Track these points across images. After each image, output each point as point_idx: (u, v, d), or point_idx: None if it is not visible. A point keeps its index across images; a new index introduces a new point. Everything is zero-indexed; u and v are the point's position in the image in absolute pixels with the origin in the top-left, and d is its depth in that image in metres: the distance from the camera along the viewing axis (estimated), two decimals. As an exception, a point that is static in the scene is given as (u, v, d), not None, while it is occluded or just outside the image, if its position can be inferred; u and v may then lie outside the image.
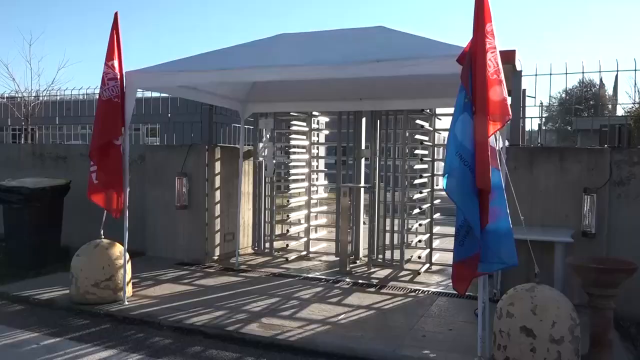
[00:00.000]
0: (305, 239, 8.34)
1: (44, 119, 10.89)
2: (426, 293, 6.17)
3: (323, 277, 6.90)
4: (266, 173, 7.90)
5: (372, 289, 6.29)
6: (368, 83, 6.70)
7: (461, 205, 3.89)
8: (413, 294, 6.13)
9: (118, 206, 5.51)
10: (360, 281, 6.66)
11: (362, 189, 7.86)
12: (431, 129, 7.57)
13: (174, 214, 7.70)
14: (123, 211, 5.50)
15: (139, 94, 9.30)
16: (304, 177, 8.52)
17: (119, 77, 5.44)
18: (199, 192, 7.60)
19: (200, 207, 7.59)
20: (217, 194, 7.82)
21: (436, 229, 7.72)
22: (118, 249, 5.63)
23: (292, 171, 8.42)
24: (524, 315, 3.75)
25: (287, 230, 8.39)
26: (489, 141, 3.87)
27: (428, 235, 7.53)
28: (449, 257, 7.93)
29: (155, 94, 8.43)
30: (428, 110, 7.41)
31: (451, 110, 7.71)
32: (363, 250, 7.97)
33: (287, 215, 8.12)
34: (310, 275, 6.98)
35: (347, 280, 6.71)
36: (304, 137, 8.45)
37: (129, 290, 5.67)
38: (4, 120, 11.35)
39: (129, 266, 5.69)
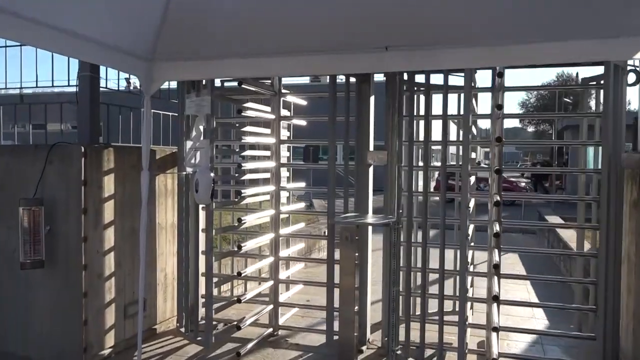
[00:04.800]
0: (270, 307, 4.82)
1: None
2: None
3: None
4: (198, 196, 4.24)
5: None
6: (402, 13, 3.26)
7: None
8: None
9: None
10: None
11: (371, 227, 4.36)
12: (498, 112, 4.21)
13: (25, 276, 4.05)
14: None
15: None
16: (267, 197, 5.00)
17: None
18: (70, 235, 3.96)
19: (72, 263, 3.96)
20: (109, 234, 4.21)
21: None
22: None
23: (245, 191, 4.82)
24: None
25: (238, 299, 4.77)
26: None
27: (495, 305, 4.16)
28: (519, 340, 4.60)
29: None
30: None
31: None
32: (371, 315, 4.55)
33: (239, 273, 4.54)
34: (284, 405, 3.48)
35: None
36: (268, 130, 4.92)
37: None
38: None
39: None
